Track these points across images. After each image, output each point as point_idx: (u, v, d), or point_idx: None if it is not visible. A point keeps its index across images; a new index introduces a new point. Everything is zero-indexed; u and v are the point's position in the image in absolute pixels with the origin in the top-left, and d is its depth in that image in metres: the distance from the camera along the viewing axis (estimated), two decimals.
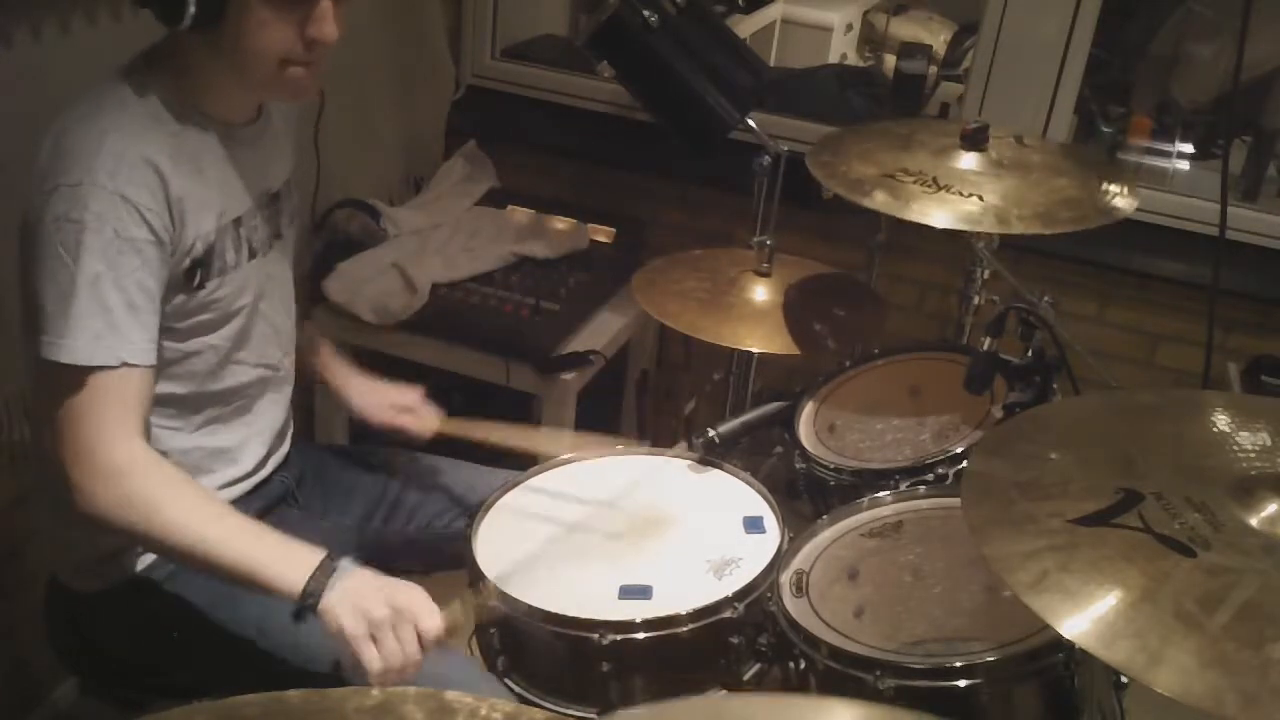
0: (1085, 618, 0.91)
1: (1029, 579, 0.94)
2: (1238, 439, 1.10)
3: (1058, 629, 0.90)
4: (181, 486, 1.31)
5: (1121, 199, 1.71)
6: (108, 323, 1.25)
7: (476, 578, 1.44)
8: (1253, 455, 1.08)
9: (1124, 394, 1.23)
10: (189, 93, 1.35)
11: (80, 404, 1.25)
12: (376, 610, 1.24)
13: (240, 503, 1.52)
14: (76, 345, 1.25)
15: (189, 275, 1.36)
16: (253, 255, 1.46)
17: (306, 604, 1.25)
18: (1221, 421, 1.15)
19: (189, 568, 1.33)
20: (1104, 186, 1.74)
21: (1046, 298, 1.68)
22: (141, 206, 1.27)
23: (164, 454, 1.42)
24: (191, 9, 1.25)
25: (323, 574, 1.26)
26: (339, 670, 1.37)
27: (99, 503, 1.25)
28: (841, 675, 1.28)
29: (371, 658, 1.24)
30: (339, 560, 1.28)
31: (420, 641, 1.26)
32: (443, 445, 1.76)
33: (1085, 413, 1.27)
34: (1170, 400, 1.26)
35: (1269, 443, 1.09)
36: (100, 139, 1.27)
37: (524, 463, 1.66)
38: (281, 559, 1.27)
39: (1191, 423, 1.15)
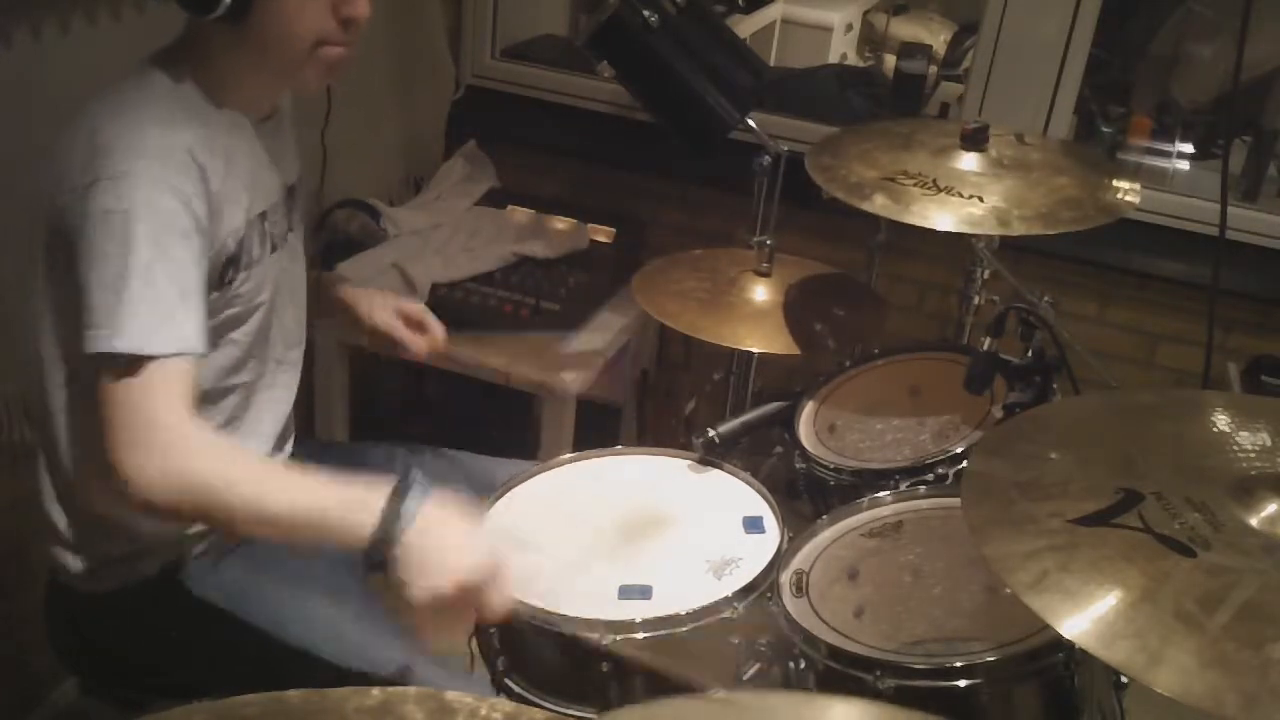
0: (1085, 618, 0.91)
1: (1029, 579, 0.94)
2: (1238, 439, 1.10)
3: (1058, 629, 0.90)
4: (239, 461, 1.28)
5: (1122, 196, 1.71)
6: (162, 311, 1.22)
7: None
8: (1253, 455, 1.08)
9: (1124, 394, 1.23)
10: (212, 86, 1.34)
11: (136, 395, 1.21)
12: (446, 581, 1.18)
13: None
14: (133, 334, 1.21)
15: (222, 273, 1.35)
16: (274, 249, 1.46)
17: (374, 559, 1.20)
18: (1221, 421, 1.15)
19: (273, 539, 1.27)
20: (1104, 184, 1.74)
21: (1046, 298, 1.68)
22: (187, 196, 1.25)
23: None
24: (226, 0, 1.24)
25: (389, 522, 1.19)
26: (339, 672, 1.38)
27: (157, 491, 1.20)
28: (841, 675, 1.28)
29: (425, 631, 1.21)
30: (405, 498, 1.21)
31: (480, 615, 1.23)
32: (446, 438, 1.75)
33: (1085, 413, 1.27)
34: (1170, 400, 1.26)
35: (1269, 443, 1.09)
36: (141, 130, 1.25)
37: (529, 452, 1.66)
38: (345, 514, 1.21)
39: (1191, 423, 1.15)
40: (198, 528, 1.47)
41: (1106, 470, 1.06)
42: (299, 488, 1.24)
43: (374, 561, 1.20)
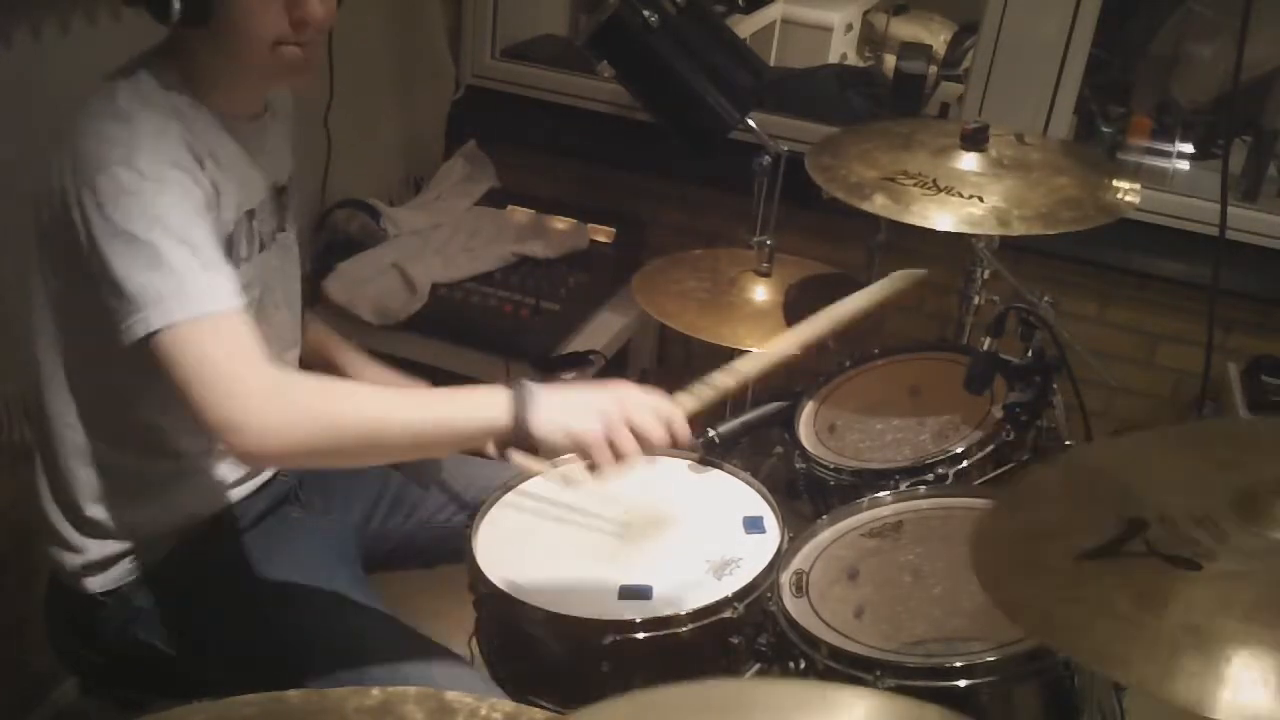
0: (1096, 640, 0.90)
1: (1038, 618, 0.95)
2: (1240, 459, 1.10)
3: (1079, 659, 0.90)
4: (334, 384, 1.28)
5: (1122, 196, 1.71)
6: (208, 270, 1.22)
7: (477, 578, 1.44)
8: (1256, 469, 1.07)
9: (1120, 442, 1.23)
10: (196, 87, 1.35)
11: (210, 356, 1.19)
12: (594, 409, 1.23)
13: (244, 503, 1.52)
14: (188, 300, 1.20)
15: None
16: (262, 247, 1.46)
17: (521, 431, 1.21)
18: (1223, 450, 1.14)
19: (393, 456, 1.29)
20: (1104, 184, 1.74)
21: (1046, 298, 1.69)
22: (191, 171, 1.26)
23: (174, 454, 1.42)
24: (177, 4, 1.25)
25: (520, 399, 1.22)
26: (339, 668, 1.38)
27: (269, 435, 1.18)
28: (841, 675, 1.28)
29: (604, 455, 1.23)
30: (523, 381, 1.25)
31: (647, 430, 1.25)
32: None
33: (1085, 461, 1.27)
34: (1173, 435, 1.26)
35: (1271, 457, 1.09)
36: (129, 124, 1.25)
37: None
38: (474, 406, 1.23)
39: (1192, 451, 1.15)
40: (198, 526, 1.47)
41: (1107, 505, 1.06)
42: (416, 402, 1.26)
43: (520, 442, 1.22)
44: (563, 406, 1.24)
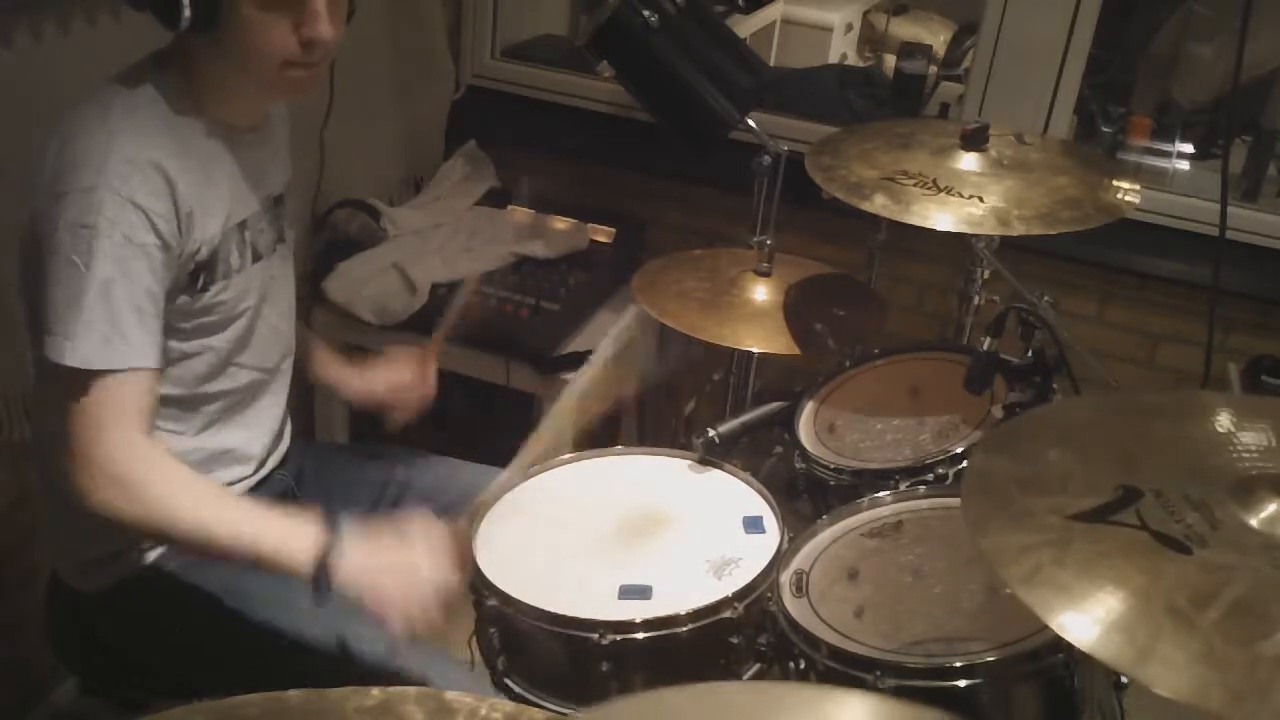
0: (1076, 612, 0.91)
1: (1023, 573, 0.95)
2: (1239, 439, 1.10)
3: (1049, 623, 0.90)
4: (184, 482, 1.32)
5: (1122, 196, 1.71)
6: (116, 328, 1.26)
7: (477, 579, 1.44)
8: (1254, 455, 1.08)
9: (1125, 394, 1.23)
10: (197, 95, 1.35)
11: (85, 407, 1.26)
12: (389, 578, 1.29)
13: None
14: (84, 349, 1.25)
15: (193, 278, 1.36)
16: (257, 258, 1.46)
17: (319, 584, 1.28)
18: (1223, 421, 1.15)
19: (200, 558, 1.37)
20: (1104, 184, 1.74)
21: (1046, 298, 1.68)
22: (152, 213, 1.28)
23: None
24: (187, 12, 1.25)
25: (326, 549, 1.28)
26: (344, 663, 1.38)
27: (103, 502, 1.26)
28: (841, 675, 1.28)
29: (394, 623, 1.29)
30: (339, 529, 1.31)
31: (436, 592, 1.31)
32: (446, 439, 1.75)
33: (1087, 412, 1.27)
34: (1171, 400, 1.26)
35: (1270, 443, 1.09)
36: (109, 142, 1.27)
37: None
38: (284, 543, 1.30)
39: (1193, 422, 1.15)
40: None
41: (1107, 468, 1.06)
42: (241, 517, 1.32)
43: (318, 586, 1.29)
44: (364, 569, 1.30)
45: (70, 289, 1.24)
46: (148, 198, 1.27)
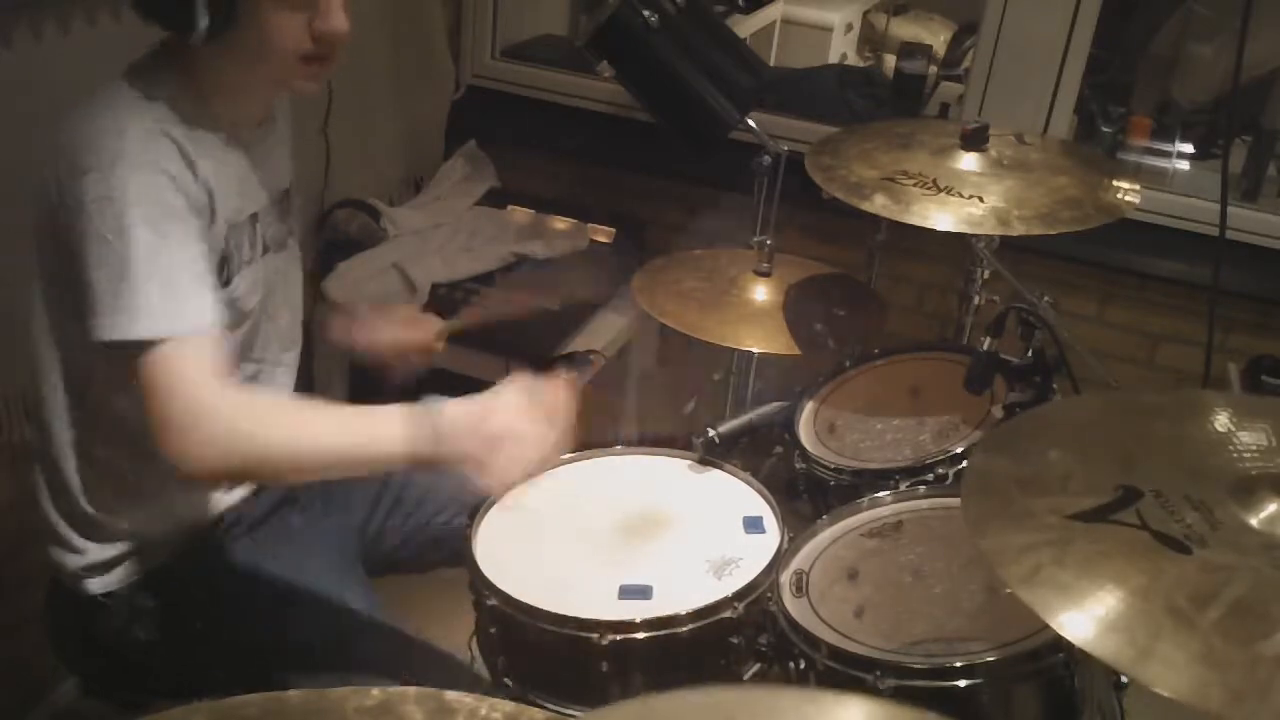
0: (1075, 611, 0.91)
1: (1023, 572, 0.95)
2: (1239, 439, 1.10)
3: (1049, 623, 0.90)
4: (272, 413, 1.29)
5: (1122, 196, 1.71)
6: (170, 291, 1.23)
7: (477, 579, 1.44)
8: (1254, 455, 1.08)
9: (1125, 394, 1.23)
10: (199, 94, 1.34)
11: (160, 376, 1.21)
12: (486, 444, 1.27)
13: (243, 505, 1.53)
14: (145, 320, 1.21)
15: (220, 269, 1.35)
16: (266, 251, 1.46)
17: (420, 462, 1.26)
18: (1222, 421, 1.15)
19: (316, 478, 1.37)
20: (1104, 184, 1.74)
21: (1046, 298, 1.68)
22: (177, 179, 1.26)
23: None
24: (204, 21, 1.25)
25: (420, 428, 1.25)
26: (339, 668, 1.38)
27: (206, 463, 1.22)
28: (841, 675, 1.28)
29: (492, 483, 1.28)
30: (428, 407, 1.28)
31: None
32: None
33: (1087, 411, 1.27)
34: (1171, 400, 1.27)
35: (1270, 443, 1.09)
36: (127, 118, 1.25)
37: None
38: (376, 436, 1.26)
39: (1193, 422, 1.15)
40: (197, 528, 1.47)
41: (1107, 468, 1.06)
42: (331, 426, 1.28)
43: (421, 461, 1.26)
44: (463, 423, 1.28)
45: (111, 265, 1.21)
46: (169, 163, 1.26)
